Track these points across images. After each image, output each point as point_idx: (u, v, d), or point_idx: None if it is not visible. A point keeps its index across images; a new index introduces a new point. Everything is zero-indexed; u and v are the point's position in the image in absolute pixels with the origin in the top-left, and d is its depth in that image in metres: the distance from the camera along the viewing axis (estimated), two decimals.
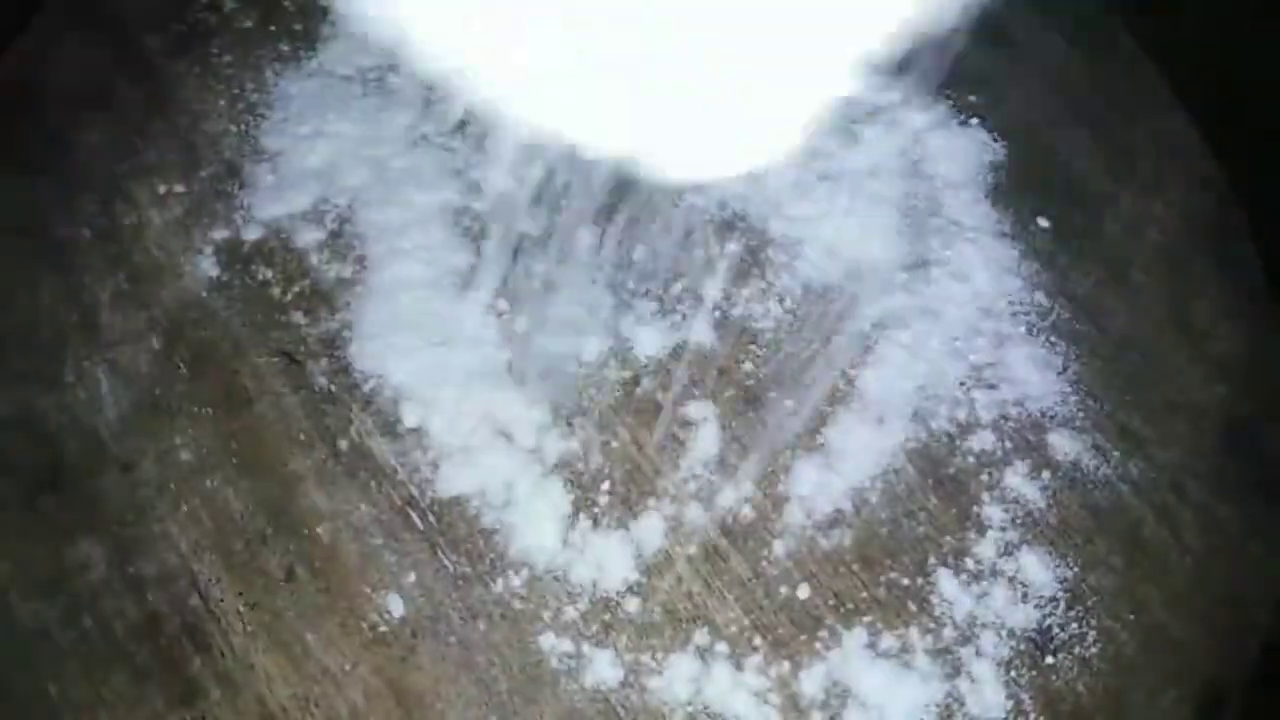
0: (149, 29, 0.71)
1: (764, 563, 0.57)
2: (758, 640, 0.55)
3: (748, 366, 0.62)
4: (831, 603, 0.56)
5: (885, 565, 0.57)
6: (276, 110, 0.69)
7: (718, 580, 0.57)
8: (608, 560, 0.56)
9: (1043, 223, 0.69)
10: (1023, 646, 0.56)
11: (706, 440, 0.60)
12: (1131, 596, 0.58)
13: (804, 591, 0.56)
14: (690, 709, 0.53)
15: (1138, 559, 0.59)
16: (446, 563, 0.56)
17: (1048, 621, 0.57)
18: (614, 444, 0.59)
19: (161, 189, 0.66)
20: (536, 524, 0.57)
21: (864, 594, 0.57)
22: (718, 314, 0.63)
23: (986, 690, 0.55)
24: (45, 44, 0.70)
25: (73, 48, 0.70)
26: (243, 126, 0.68)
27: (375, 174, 0.66)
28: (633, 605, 0.55)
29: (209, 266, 0.63)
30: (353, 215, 0.65)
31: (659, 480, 0.59)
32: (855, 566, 0.57)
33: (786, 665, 0.55)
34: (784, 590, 0.56)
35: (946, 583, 0.57)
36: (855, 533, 0.58)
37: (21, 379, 0.60)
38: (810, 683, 0.54)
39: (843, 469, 0.60)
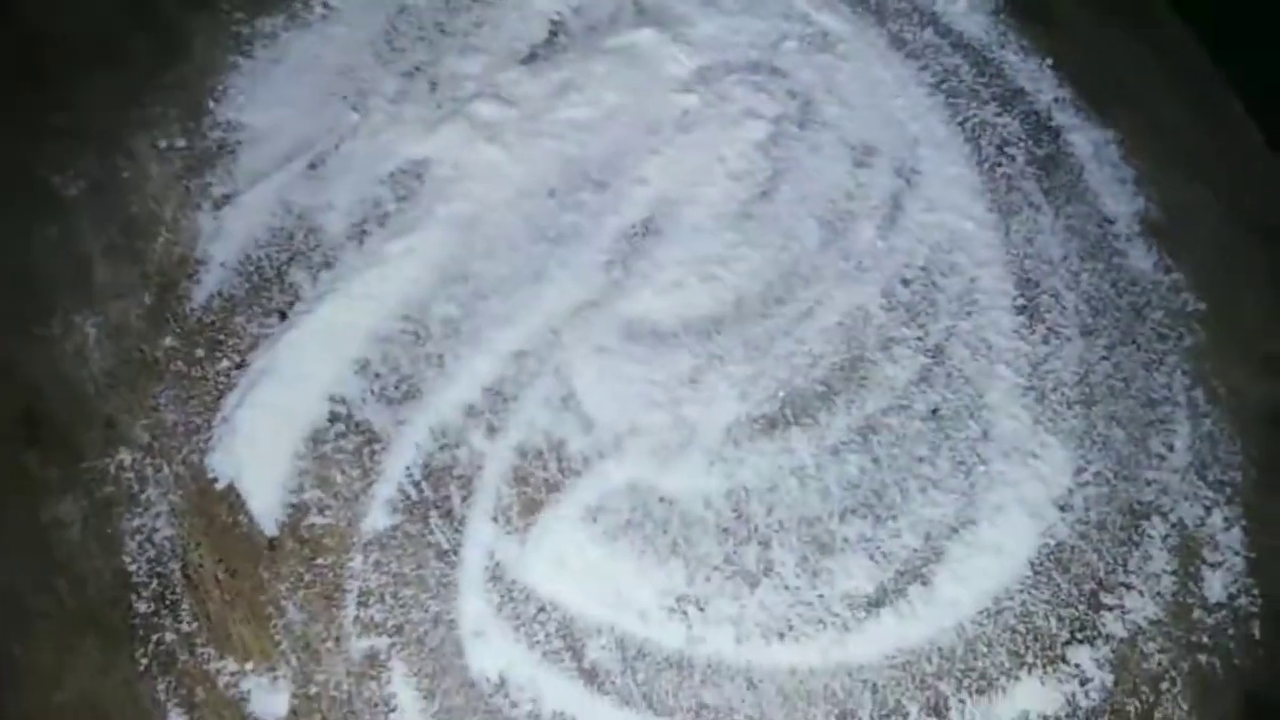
0: None
1: None
2: None
3: None
4: None
5: None
6: (283, 66, 0.66)
7: None
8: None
9: None
10: None
11: None
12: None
13: None
14: None
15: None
16: (440, 534, 0.53)
17: None
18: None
19: (162, 143, 0.63)
20: None
21: None
22: None
23: None
24: None
25: None
26: (250, 83, 0.66)
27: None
28: None
29: (206, 223, 0.61)
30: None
31: None
32: None
33: None
34: None
35: None
36: None
37: (6, 328, 0.58)
38: None
39: None
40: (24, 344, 0.57)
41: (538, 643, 0.51)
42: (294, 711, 0.49)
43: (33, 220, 0.61)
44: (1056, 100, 0.70)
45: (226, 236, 0.60)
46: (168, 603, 0.51)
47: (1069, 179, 0.67)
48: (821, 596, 0.53)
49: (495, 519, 0.54)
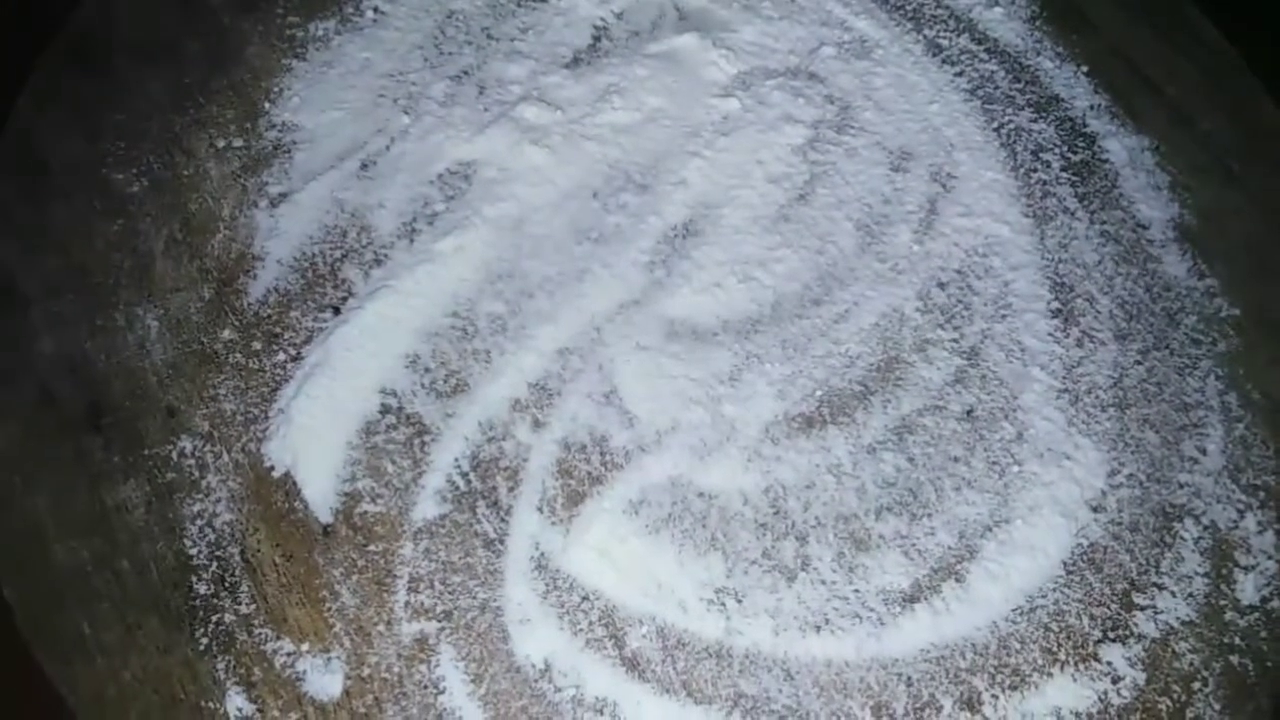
0: None
1: None
2: None
3: None
4: None
5: None
6: (336, 69, 0.68)
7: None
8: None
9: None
10: None
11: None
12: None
13: None
14: None
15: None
16: (487, 524, 0.55)
17: None
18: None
19: (220, 143, 0.66)
20: None
21: None
22: None
23: None
24: None
25: (139, 1, 0.70)
26: (304, 85, 0.68)
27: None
28: None
29: (263, 220, 0.63)
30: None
31: None
32: None
33: None
34: None
35: None
36: None
37: (72, 320, 0.60)
38: None
39: None
40: (89, 336, 0.59)
41: (581, 630, 0.52)
42: (347, 692, 0.51)
43: (96, 217, 0.63)
44: (1092, 107, 0.71)
45: (282, 234, 0.63)
46: (227, 585, 0.53)
47: (1104, 185, 0.68)
48: (857, 591, 0.54)
49: (540, 510, 0.55)
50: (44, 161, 0.64)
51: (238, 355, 0.59)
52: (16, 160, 0.64)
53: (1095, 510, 0.57)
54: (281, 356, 0.59)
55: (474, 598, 0.53)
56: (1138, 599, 0.55)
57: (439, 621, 0.52)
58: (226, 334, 0.60)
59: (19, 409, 0.57)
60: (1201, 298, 0.64)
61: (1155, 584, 0.55)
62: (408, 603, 0.53)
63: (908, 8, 0.75)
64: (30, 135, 0.65)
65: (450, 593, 0.53)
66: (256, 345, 0.59)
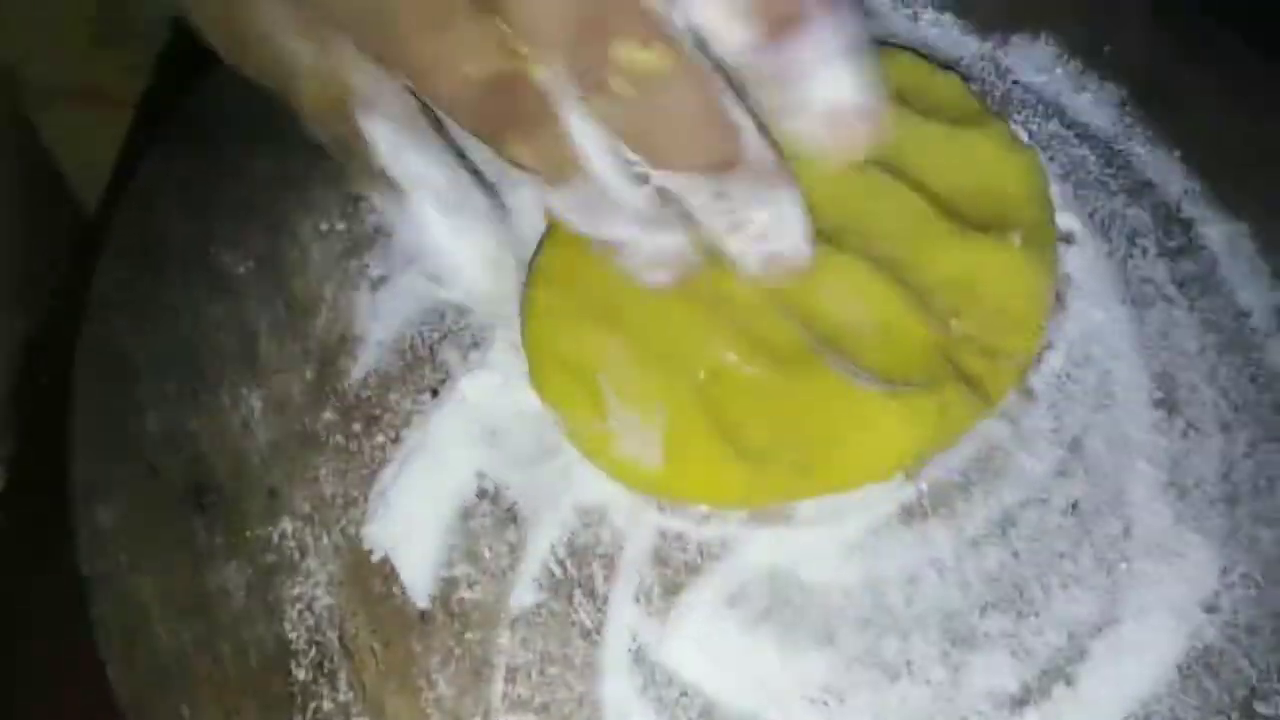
0: None
1: None
2: None
3: None
4: None
5: None
6: None
7: None
8: None
9: None
10: None
11: None
12: None
13: None
14: None
15: None
16: (584, 614, 0.54)
17: None
18: None
19: (324, 226, 0.67)
20: None
21: None
22: None
23: None
24: (222, 79, 0.73)
25: (249, 83, 0.72)
26: None
27: None
28: None
29: (363, 302, 0.64)
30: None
31: None
32: None
33: None
34: None
35: None
36: None
37: (178, 399, 0.61)
38: None
39: None
40: (194, 415, 0.60)
41: None
42: None
43: (205, 296, 0.64)
44: (1186, 192, 0.70)
45: (382, 316, 0.63)
46: (325, 671, 0.53)
47: (1202, 271, 0.66)
48: (964, 692, 0.52)
49: (637, 600, 0.54)
50: (156, 240, 0.66)
51: (338, 437, 0.59)
52: (131, 238, 0.66)
53: (1209, 611, 0.55)
54: (380, 439, 0.59)
55: (571, 690, 0.52)
56: (1260, 708, 0.52)
57: (536, 714, 0.52)
58: (327, 415, 0.60)
59: (126, 485, 0.58)
60: None
61: (1278, 691, 0.53)
62: (505, 694, 0.52)
63: (995, 94, 0.75)
64: (144, 214, 0.67)
65: (548, 684, 0.52)
66: (356, 427, 0.60)
